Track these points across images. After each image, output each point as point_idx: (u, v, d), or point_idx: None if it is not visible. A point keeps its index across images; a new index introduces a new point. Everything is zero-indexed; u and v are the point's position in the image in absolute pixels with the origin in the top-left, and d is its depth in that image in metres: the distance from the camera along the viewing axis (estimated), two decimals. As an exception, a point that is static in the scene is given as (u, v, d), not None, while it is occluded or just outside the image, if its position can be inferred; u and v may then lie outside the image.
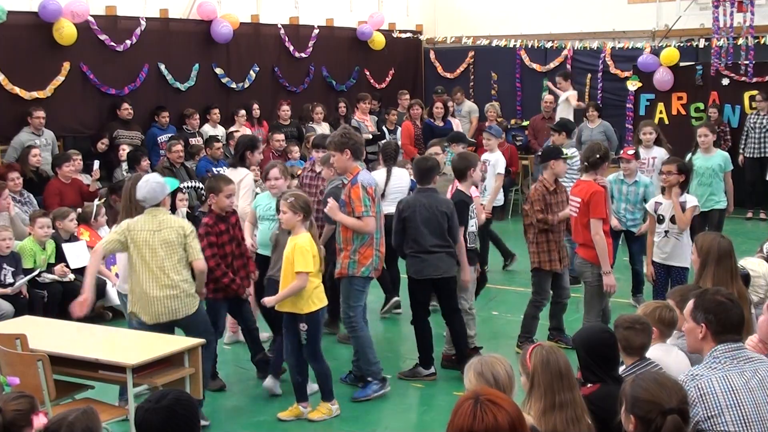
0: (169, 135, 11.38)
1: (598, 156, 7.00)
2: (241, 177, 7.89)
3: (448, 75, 16.29)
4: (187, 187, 9.54)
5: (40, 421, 3.92)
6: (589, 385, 4.13)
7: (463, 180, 7.15)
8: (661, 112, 13.83)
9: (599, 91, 14.78)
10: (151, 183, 6.13)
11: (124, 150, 10.72)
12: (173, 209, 8.60)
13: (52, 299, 8.15)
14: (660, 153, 9.53)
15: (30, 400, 3.54)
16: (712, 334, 3.80)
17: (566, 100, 13.47)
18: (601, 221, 6.74)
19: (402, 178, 8.61)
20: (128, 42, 11.64)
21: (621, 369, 4.29)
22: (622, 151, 8.84)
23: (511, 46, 15.24)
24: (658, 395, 3.25)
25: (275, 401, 6.71)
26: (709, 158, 9.12)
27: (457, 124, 12.80)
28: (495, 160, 9.67)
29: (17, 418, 3.43)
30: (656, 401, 3.24)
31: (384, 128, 13.28)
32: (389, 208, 7.65)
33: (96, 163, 10.11)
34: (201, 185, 9.68)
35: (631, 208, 8.56)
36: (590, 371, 4.13)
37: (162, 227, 6.07)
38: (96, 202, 9.24)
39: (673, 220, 7.27)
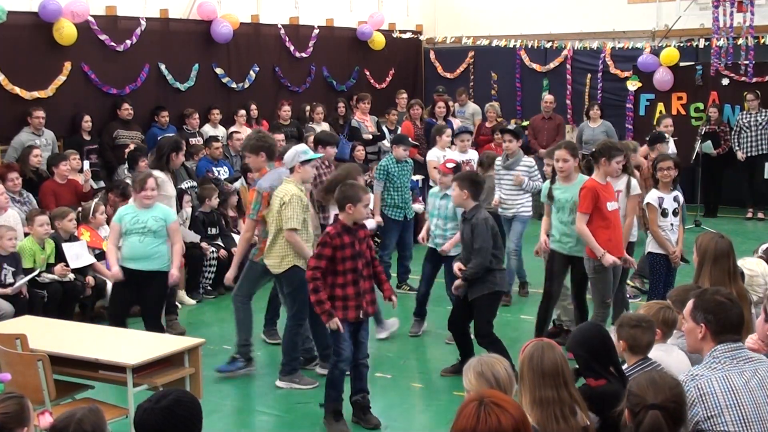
0: (168, 135, 11.39)
1: (594, 150, 7.18)
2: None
3: (448, 75, 16.29)
4: (187, 187, 9.54)
5: (46, 420, 3.91)
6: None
7: None
8: (661, 112, 13.84)
9: (599, 91, 14.80)
10: (291, 149, 6.96)
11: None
12: (179, 210, 8.67)
13: (52, 299, 8.14)
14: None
15: (19, 401, 3.46)
16: (711, 334, 3.80)
17: None
18: (587, 215, 6.87)
19: None
20: (128, 42, 11.63)
21: (623, 368, 4.29)
22: (440, 164, 8.28)
23: (511, 46, 15.25)
24: (645, 391, 3.30)
25: (276, 401, 6.72)
26: (569, 188, 7.19)
27: (457, 124, 12.80)
28: (476, 158, 9.93)
29: (7, 421, 3.37)
30: (642, 396, 3.29)
31: (384, 128, 13.28)
32: None
33: (86, 163, 10.11)
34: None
35: (442, 223, 7.86)
36: (592, 369, 4.13)
37: (277, 195, 6.71)
38: (95, 200, 9.24)
39: (674, 213, 7.46)
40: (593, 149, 7.23)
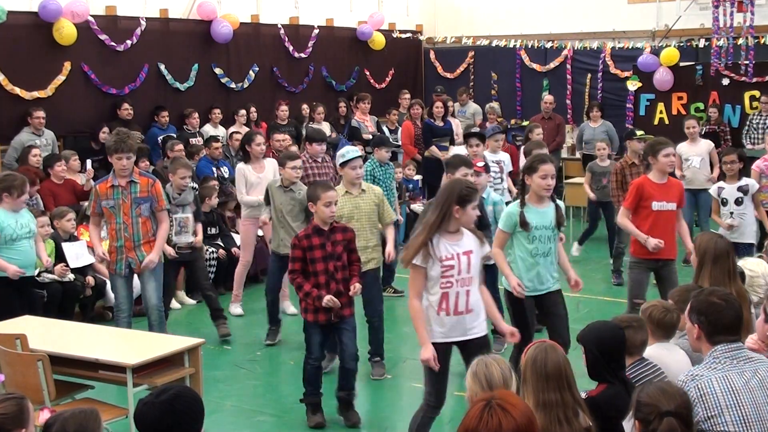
0: (164, 135, 11.41)
1: (642, 152, 7.40)
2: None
3: (448, 75, 16.29)
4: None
5: (44, 416, 3.93)
6: (596, 386, 4.13)
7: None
8: (661, 112, 13.84)
9: (599, 91, 14.80)
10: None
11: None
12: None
13: (52, 299, 8.13)
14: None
15: (18, 402, 3.45)
16: (704, 335, 3.81)
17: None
18: (628, 211, 6.93)
19: None
20: (128, 42, 11.64)
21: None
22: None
23: (511, 46, 15.25)
24: (658, 399, 3.30)
25: (275, 401, 6.72)
26: (546, 211, 6.01)
27: (457, 125, 12.80)
28: (507, 160, 9.63)
29: (5, 422, 3.36)
30: (655, 404, 3.30)
31: (385, 128, 13.28)
32: None
33: (89, 162, 10.10)
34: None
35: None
36: (597, 370, 4.11)
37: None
38: None
39: (737, 202, 8.12)
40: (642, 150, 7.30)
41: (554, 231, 5.99)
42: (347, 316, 6.10)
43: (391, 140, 9.70)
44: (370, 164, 8.93)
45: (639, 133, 9.77)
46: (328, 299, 5.93)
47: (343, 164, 7.05)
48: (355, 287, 6.05)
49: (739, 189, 8.16)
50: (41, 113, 10.35)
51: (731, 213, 8.13)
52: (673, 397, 3.31)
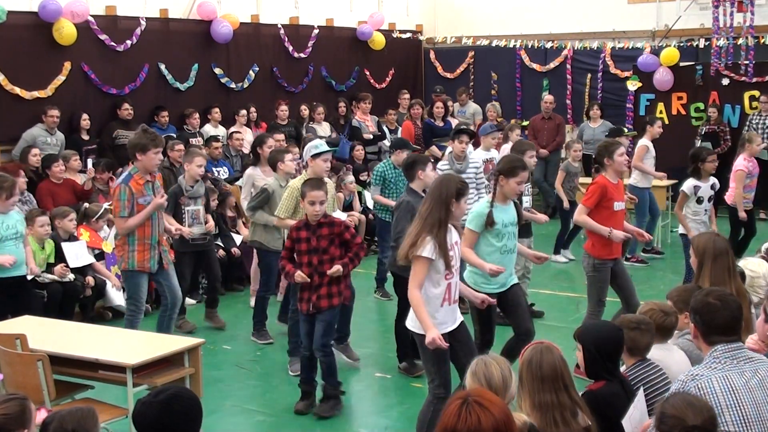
0: (164, 135, 11.41)
1: (596, 153, 7.29)
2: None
3: (448, 75, 16.29)
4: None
5: (41, 416, 3.95)
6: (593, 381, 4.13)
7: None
8: (661, 112, 13.83)
9: (599, 91, 14.80)
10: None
11: None
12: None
13: (52, 299, 8.12)
14: None
15: (21, 402, 3.46)
16: (700, 334, 3.82)
17: None
18: (588, 209, 6.85)
19: None
20: (128, 42, 11.64)
21: (622, 369, 4.29)
22: None
23: (511, 46, 15.24)
24: (684, 412, 3.23)
25: (275, 401, 6.72)
26: (508, 208, 6.22)
27: (457, 124, 12.77)
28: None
29: (7, 422, 3.37)
30: (681, 417, 3.22)
31: (384, 128, 13.27)
32: None
33: (90, 162, 10.10)
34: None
35: None
36: (595, 369, 4.11)
37: None
38: (105, 205, 9.21)
39: (710, 199, 8.48)
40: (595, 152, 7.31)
41: (515, 227, 6.27)
42: (324, 307, 6.23)
43: (411, 143, 9.46)
44: (382, 167, 8.82)
45: (625, 130, 9.79)
46: (298, 274, 6.17)
47: (315, 156, 7.10)
48: (333, 268, 6.17)
49: (711, 187, 8.58)
50: (56, 112, 10.39)
51: (705, 210, 8.50)
52: (700, 412, 3.24)
